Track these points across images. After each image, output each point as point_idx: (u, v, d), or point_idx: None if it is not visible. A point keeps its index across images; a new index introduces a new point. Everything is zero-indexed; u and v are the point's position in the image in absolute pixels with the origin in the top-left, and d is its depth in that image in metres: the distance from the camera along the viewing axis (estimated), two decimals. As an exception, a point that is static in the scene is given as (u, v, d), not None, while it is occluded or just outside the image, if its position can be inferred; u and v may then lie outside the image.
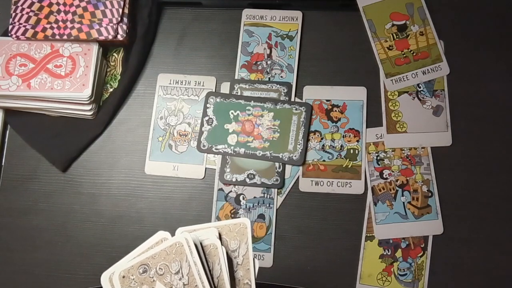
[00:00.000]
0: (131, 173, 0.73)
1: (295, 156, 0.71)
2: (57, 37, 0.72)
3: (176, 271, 0.43)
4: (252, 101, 0.73)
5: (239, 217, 0.71)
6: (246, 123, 0.73)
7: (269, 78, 0.75)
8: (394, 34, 0.75)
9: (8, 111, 0.75)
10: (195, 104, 0.75)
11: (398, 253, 0.69)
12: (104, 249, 0.71)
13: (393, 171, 0.71)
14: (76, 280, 0.71)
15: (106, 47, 0.76)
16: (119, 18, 0.72)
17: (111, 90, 0.76)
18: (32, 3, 0.73)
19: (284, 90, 0.74)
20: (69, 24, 0.72)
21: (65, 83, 0.71)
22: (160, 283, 0.43)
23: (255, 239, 0.70)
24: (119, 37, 0.72)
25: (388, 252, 0.69)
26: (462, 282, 0.68)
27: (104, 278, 0.43)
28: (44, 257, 0.72)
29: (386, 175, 0.71)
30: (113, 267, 0.43)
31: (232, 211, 0.71)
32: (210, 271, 0.44)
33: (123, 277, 0.43)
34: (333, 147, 0.72)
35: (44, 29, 0.72)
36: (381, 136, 0.72)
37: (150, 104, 0.75)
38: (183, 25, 0.78)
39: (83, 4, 0.73)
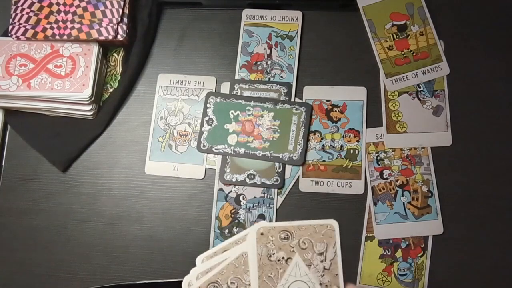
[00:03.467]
0: (131, 173, 0.73)
1: (295, 156, 0.71)
2: (57, 37, 0.72)
3: (320, 252, 0.42)
4: (252, 101, 0.73)
5: (238, 217, 0.71)
6: (246, 123, 0.73)
7: (269, 78, 0.75)
8: (394, 34, 0.75)
9: (8, 111, 0.75)
10: (195, 104, 0.75)
11: (398, 253, 0.69)
12: (104, 249, 0.71)
13: (393, 171, 0.71)
14: (76, 280, 0.71)
15: (106, 47, 0.76)
16: (119, 18, 0.72)
17: (111, 90, 0.76)
18: (32, 3, 0.73)
19: (284, 90, 0.74)
20: (69, 24, 0.72)
21: (65, 83, 0.71)
22: (300, 256, 0.41)
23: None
24: (119, 37, 0.72)
25: (388, 252, 0.69)
26: (462, 282, 0.68)
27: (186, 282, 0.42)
28: (44, 257, 0.72)
29: (386, 175, 0.71)
30: (202, 273, 0.42)
31: (232, 211, 0.71)
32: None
33: (262, 234, 0.41)
34: (333, 147, 0.72)
35: (44, 29, 0.72)
36: (381, 136, 0.72)
37: (150, 104, 0.75)
38: (183, 25, 0.78)
39: (83, 4, 0.73)
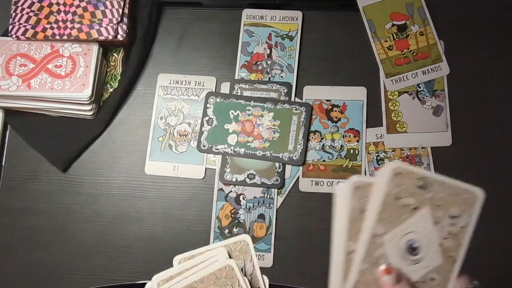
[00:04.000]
0: (131, 173, 0.73)
1: (295, 156, 0.71)
2: (57, 37, 0.72)
3: (453, 215, 0.39)
4: (252, 101, 0.73)
5: (238, 217, 0.71)
6: (246, 123, 0.73)
7: (269, 78, 0.75)
8: (394, 34, 0.75)
9: (8, 111, 0.75)
10: (195, 104, 0.75)
11: (398, 253, 0.69)
12: (104, 249, 0.71)
13: (393, 171, 0.71)
14: (76, 280, 0.71)
15: (106, 47, 0.76)
16: (119, 18, 0.72)
17: (111, 90, 0.76)
18: (32, 3, 0.73)
19: (284, 90, 0.74)
20: (69, 24, 0.72)
21: (65, 83, 0.71)
22: (430, 210, 0.39)
23: (255, 239, 0.70)
24: (119, 37, 0.72)
25: (388, 252, 0.69)
26: (462, 282, 0.68)
27: None
28: (44, 257, 0.72)
29: (386, 175, 0.71)
30: (163, 280, 0.41)
31: (232, 211, 0.71)
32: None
33: (399, 173, 0.38)
34: (333, 147, 0.72)
35: (44, 29, 0.72)
36: (381, 136, 0.72)
37: (150, 104, 0.75)
38: (183, 25, 0.78)
39: (83, 4, 0.73)
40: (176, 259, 0.48)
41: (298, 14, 0.76)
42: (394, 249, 0.38)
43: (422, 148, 0.71)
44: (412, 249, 0.39)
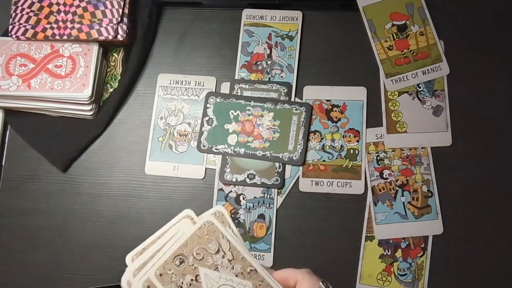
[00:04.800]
0: (131, 173, 0.73)
1: (295, 156, 0.71)
2: (57, 37, 0.72)
3: (215, 251, 0.41)
4: (252, 101, 0.73)
5: (238, 217, 0.71)
6: (246, 123, 0.73)
7: (269, 78, 0.75)
8: (394, 34, 0.75)
9: (8, 111, 0.75)
10: (195, 104, 0.75)
11: (398, 253, 0.69)
12: (104, 249, 0.71)
13: (393, 171, 0.71)
14: (76, 280, 0.71)
15: (106, 47, 0.76)
16: (119, 18, 0.72)
17: (111, 90, 0.76)
18: (32, 3, 0.73)
19: (284, 90, 0.74)
20: (69, 24, 0.72)
21: (65, 83, 0.71)
22: (203, 267, 0.41)
23: (255, 239, 0.70)
24: (119, 37, 0.72)
25: (388, 252, 0.69)
26: (462, 282, 0.68)
27: (125, 282, 0.42)
28: (44, 257, 0.72)
29: (386, 175, 0.71)
30: (138, 268, 0.41)
31: (232, 211, 0.71)
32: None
33: (160, 275, 0.40)
34: (333, 147, 0.72)
35: (44, 29, 0.72)
36: (381, 136, 0.72)
37: (150, 104, 0.75)
38: (183, 25, 0.78)
39: (83, 4, 0.73)
40: (129, 257, 0.48)
41: (298, 14, 0.76)
42: None
43: (422, 148, 0.71)
44: None
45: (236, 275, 0.41)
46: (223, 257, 0.41)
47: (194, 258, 0.41)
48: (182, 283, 0.40)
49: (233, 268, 0.41)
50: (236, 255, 0.41)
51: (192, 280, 0.41)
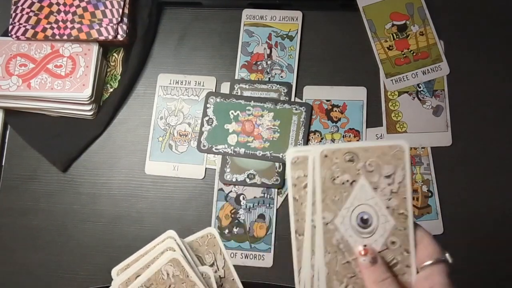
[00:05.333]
0: (131, 173, 0.73)
1: (295, 156, 0.71)
2: (57, 37, 0.72)
3: (387, 174, 0.39)
4: (252, 101, 0.73)
5: (238, 217, 0.71)
6: (246, 123, 0.73)
7: (269, 78, 0.75)
8: (394, 34, 0.75)
9: (8, 111, 0.75)
10: (195, 104, 0.75)
11: (398, 253, 0.69)
12: (104, 249, 0.71)
13: (393, 171, 0.71)
14: (76, 280, 0.71)
15: (106, 47, 0.76)
16: (119, 18, 0.72)
17: (111, 90, 0.76)
18: (32, 3, 0.73)
19: (284, 90, 0.74)
20: (69, 24, 0.72)
21: (65, 83, 0.71)
22: (366, 179, 0.39)
23: (255, 239, 0.70)
24: (119, 37, 0.72)
25: (388, 252, 0.69)
26: (462, 282, 0.68)
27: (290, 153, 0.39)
28: (44, 257, 0.72)
29: (386, 175, 0.71)
30: (123, 284, 0.41)
31: (232, 211, 0.71)
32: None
33: (326, 156, 0.39)
34: (333, 147, 0.72)
35: (44, 29, 0.72)
36: (381, 136, 0.72)
37: (150, 104, 0.75)
38: (183, 25, 0.78)
39: (83, 4, 0.73)
40: (114, 271, 0.48)
41: (298, 14, 0.76)
42: (348, 228, 0.39)
43: (422, 148, 0.71)
44: (364, 222, 0.39)
45: (388, 207, 0.39)
46: (389, 184, 0.39)
47: (365, 166, 0.38)
48: None
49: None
50: (401, 192, 0.39)
51: None
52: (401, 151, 0.40)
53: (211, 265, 0.41)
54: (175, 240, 0.45)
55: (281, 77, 0.75)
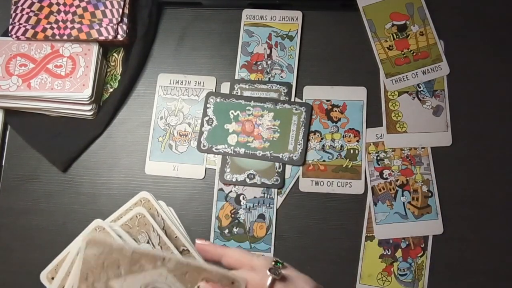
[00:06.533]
0: (131, 173, 0.73)
1: (295, 156, 0.71)
2: (57, 37, 0.72)
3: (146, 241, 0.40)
4: (252, 101, 0.73)
5: (238, 217, 0.71)
6: (246, 123, 0.73)
7: (269, 78, 0.75)
8: (394, 34, 0.75)
9: (8, 111, 0.75)
10: (195, 104, 0.75)
11: (398, 253, 0.69)
12: (104, 249, 0.71)
13: (393, 171, 0.71)
14: (76, 280, 0.70)
15: (106, 47, 0.76)
16: (119, 18, 0.72)
17: (111, 90, 0.76)
18: (32, 3, 0.73)
19: (284, 90, 0.74)
20: (69, 24, 0.72)
21: (65, 83, 0.71)
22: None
23: (255, 239, 0.70)
24: (119, 37, 0.72)
25: (388, 252, 0.69)
26: (462, 282, 0.68)
27: None
28: (44, 257, 0.72)
29: (386, 175, 0.71)
30: None
31: (232, 211, 0.71)
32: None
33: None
34: (333, 147, 0.72)
35: (44, 29, 0.72)
36: (381, 136, 0.72)
37: (150, 104, 0.75)
38: (183, 25, 0.78)
39: (83, 4, 0.73)
40: (43, 275, 0.47)
41: (298, 14, 0.76)
42: None
43: (422, 148, 0.71)
44: None
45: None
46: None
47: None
48: None
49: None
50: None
51: None
52: (142, 216, 0.41)
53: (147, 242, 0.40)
54: (104, 229, 0.44)
55: (281, 77, 0.75)
